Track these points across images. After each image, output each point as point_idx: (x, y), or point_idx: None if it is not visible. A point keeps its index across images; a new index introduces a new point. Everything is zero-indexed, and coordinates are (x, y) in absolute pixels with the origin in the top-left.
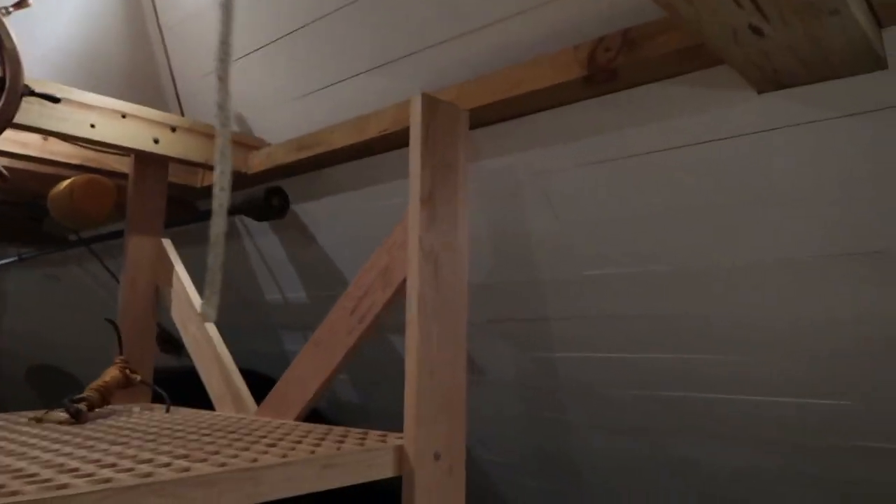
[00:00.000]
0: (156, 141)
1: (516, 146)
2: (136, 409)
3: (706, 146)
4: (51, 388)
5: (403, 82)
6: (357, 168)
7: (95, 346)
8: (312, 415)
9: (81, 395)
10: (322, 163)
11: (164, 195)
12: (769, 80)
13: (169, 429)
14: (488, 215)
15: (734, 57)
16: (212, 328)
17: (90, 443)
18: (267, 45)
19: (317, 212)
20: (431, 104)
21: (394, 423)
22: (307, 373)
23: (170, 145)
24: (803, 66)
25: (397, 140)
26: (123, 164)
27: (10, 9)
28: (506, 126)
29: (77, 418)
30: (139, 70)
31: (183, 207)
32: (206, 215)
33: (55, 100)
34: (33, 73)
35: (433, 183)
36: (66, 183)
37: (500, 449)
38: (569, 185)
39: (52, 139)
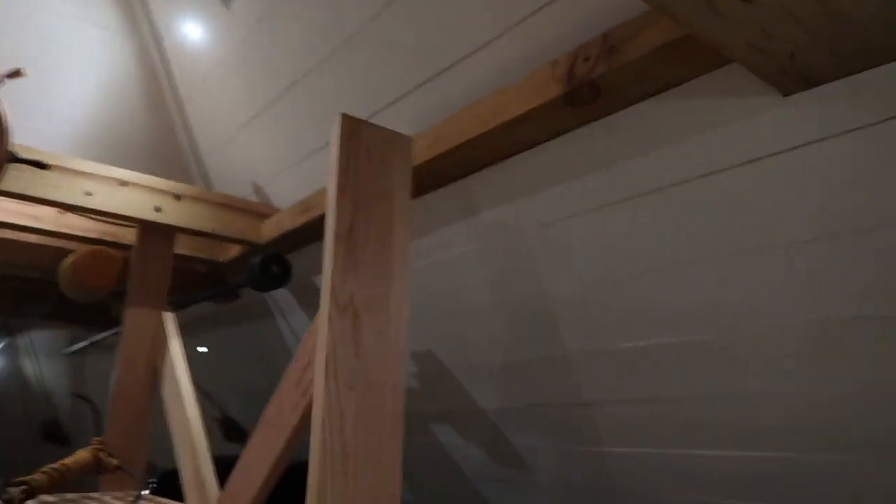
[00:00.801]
0: (157, 209)
1: (513, 192)
2: (107, 497)
3: (728, 173)
4: None
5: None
6: None
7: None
8: None
9: (24, 479)
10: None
11: (169, 266)
12: (790, 75)
13: None
14: (496, 277)
15: (728, 42)
16: (193, 411)
17: None
18: (266, 108)
19: None
20: (353, 125)
21: None
22: (258, 457)
23: (174, 214)
24: (822, 47)
25: None
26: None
27: (4, 79)
28: (497, 169)
29: None
30: (161, 144)
31: (213, 281)
32: (209, 295)
33: (43, 166)
34: (53, 148)
35: (355, 216)
36: (70, 256)
37: None
38: (578, 234)
39: (68, 213)
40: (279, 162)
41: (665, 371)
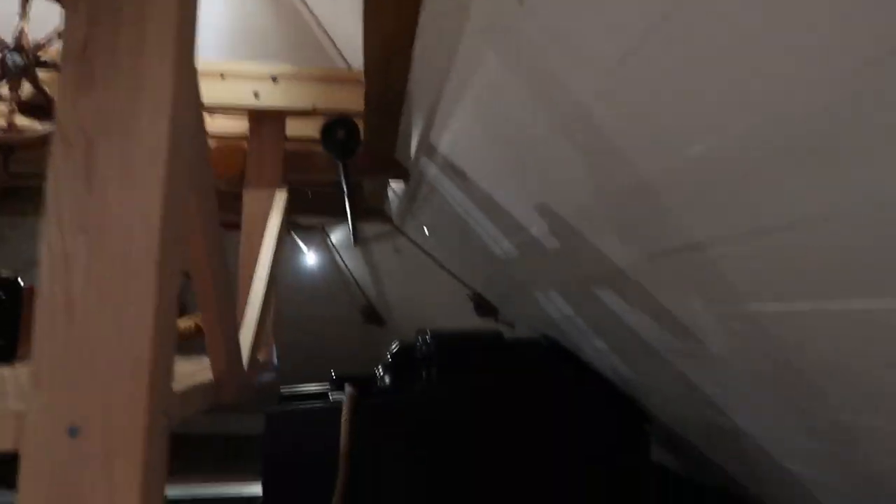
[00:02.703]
0: (256, 95)
1: None
2: None
3: None
4: None
5: None
6: None
7: None
8: None
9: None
10: None
11: (279, 148)
12: None
13: None
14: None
15: None
16: (260, 281)
17: None
18: None
19: None
20: None
21: None
22: None
23: (273, 96)
24: None
25: None
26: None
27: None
28: None
29: None
30: (292, 31)
31: None
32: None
33: None
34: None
35: (91, 30)
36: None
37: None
38: None
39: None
40: None
41: None
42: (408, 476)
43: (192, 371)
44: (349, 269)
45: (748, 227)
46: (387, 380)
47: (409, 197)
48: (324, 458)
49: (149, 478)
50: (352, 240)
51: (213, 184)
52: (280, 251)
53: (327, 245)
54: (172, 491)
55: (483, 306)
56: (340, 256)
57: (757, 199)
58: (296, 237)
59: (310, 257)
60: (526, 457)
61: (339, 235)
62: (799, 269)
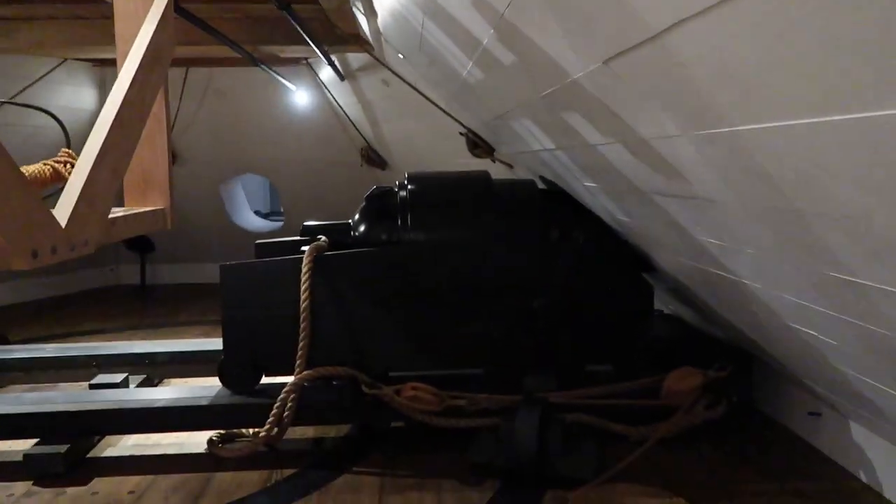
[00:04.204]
0: None
1: None
2: None
3: None
4: None
5: None
6: None
7: None
8: None
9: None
10: None
11: None
12: None
13: None
14: None
15: None
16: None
17: None
18: None
19: None
20: None
21: None
22: None
23: None
24: None
25: None
26: None
27: None
28: None
29: None
30: None
31: None
32: None
33: None
34: None
35: None
36: None
37: None
38: None
39: None
40: None
41: None
42: (375, 327)
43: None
44: (342, 108)
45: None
46: (362, 228)
47: (369, 10)
48: (286, 312)
49: None
50: (335, 74)
51: None
52: (161, 78)
53: (316, 83)
54: (149, 346)
55: (479, 146)
56: (331, 94)
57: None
58: (276, 74)
59: (300, 96)
60: (511, 304)
61: (327, 74)
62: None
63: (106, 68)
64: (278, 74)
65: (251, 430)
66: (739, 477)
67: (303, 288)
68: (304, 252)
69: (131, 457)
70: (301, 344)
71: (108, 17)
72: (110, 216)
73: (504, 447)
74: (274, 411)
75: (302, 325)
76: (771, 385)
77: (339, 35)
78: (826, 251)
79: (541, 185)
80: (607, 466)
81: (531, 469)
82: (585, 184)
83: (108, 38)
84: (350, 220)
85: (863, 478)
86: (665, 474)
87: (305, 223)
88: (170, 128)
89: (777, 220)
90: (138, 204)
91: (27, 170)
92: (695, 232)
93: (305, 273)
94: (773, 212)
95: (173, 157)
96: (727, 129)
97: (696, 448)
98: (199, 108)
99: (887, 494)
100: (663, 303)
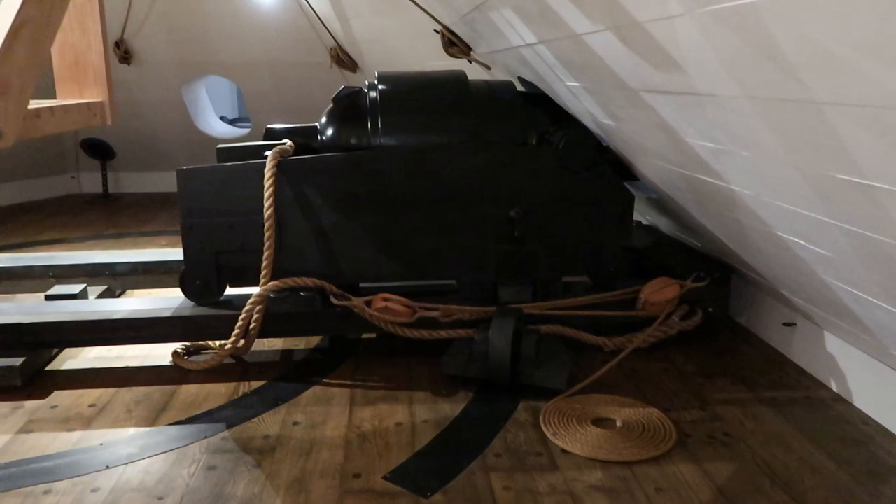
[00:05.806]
0: None
1: None
2: None
3: None
4: None
5: None
6: None
7: None
8: None
9: None
10: None
11: None
12: None
13: None
14: None
15: None
16: None
17: None
18: None
19: None
20: None
21: None
22: None
23: None
24: None
25: None
26: None
27: None
28: None
29: None
30: None
31: None
32: None
33: None
34: None
35: None
36: None
37: None
38: None
39: None
40: None
41: None
42: (344, 236)
43: None
44: (311, 5)
45: None
46: (329, 132)
47: None
48: (249, 220)
49: None
50: None
51: None
52: None
53: None
54: (110, 256)
55: (455, 44)
56: None
57: None
58: None
59: None
60: (486, 212)
61: None
62: None
63: None
64: None
65: (217, 343)
66: (712, 386)
67: (266, 194)
68: (267, 156)
69: (93, 369)
70: (266, 254)
71: None
72: (32, 106)
73: (477, 358)
74: (239, 323)
75: (266, 234)
76: (747, 296)
77: None
78: (839, 150)
79: (520, 87)
80: (581, 377)
81: (504, 380)
82: (568, 84)
83: None
84: (317, 123)
85: (834, 387)
86: (639, 384)
87: (269, 126)
88: (103, 7)
89: (785, 114)
90: (73, 97)
91: None
92: (686, 134)
93: (269, 178)
94: (783, 105)
95: (127, 55)
96: (740, 1)
97: (670, 359)
98: (154, 2)
99: (857, 403)
100: (641, 213)
